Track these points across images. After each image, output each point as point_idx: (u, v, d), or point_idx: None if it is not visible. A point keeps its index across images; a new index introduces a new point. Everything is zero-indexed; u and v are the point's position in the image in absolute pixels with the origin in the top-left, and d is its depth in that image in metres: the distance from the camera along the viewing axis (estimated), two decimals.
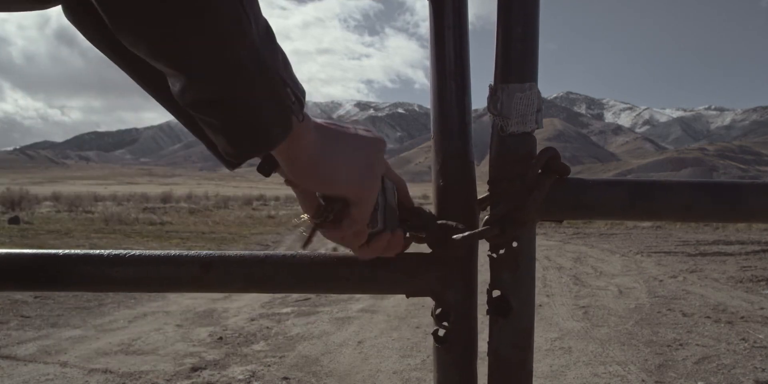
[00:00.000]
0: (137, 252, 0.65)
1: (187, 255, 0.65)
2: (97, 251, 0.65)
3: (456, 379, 0.67)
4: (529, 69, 0.68)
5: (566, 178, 0.67)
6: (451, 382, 0.67)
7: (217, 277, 0.64)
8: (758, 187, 0.69)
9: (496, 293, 0.68)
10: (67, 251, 0.66)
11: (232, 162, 0.48)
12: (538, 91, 0.67)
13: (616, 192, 0.69)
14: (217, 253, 0.65)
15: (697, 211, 0.71)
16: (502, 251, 0.68)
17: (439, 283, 0.65)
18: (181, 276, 0.65)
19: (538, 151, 0.67)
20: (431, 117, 0.69)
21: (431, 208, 0.68)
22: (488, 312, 0.66)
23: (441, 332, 0.66)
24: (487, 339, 0.66)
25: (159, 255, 0.65)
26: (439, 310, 0.66)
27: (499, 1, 0.67)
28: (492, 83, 0.68)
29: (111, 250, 0.65)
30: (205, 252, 0.65)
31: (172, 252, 0.65)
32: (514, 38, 0.67)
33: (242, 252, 0.66)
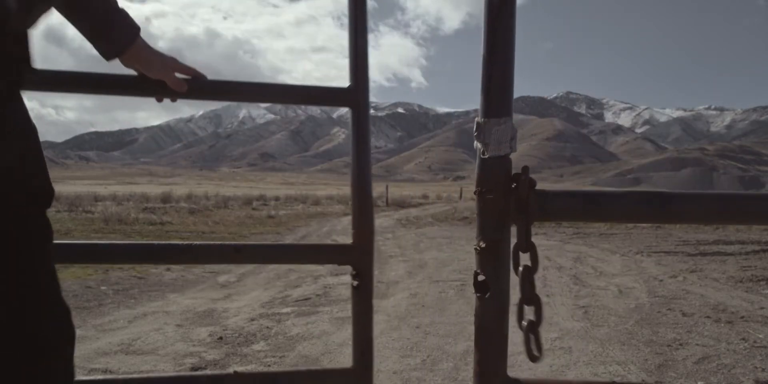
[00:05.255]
0: (194, 243, 1.20)
1: (222, 244, 1.17)
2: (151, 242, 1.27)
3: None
4: (505, 106, 0.93)
5: (535, 189, 0.93)
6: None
7: (245, 255, 1.16)
8: (682, 196, 0.96)
9: (481, 278, 0.98)
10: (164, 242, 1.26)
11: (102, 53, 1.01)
12: (512, 124, 0.93)
13: (572, 200, 0.96)
14: (242, 243, 1.17)
15: (634, 214, 0.98)
16: (483, 245, 0.96)
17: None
18: (222, 255, 1.20)
19: (512, 170, 0.95)
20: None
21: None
22: (474, 290, 0.98)
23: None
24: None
25: (201, 245, 1.19)
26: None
27: (485, 45, 0.91)
28: (477, 118, 0.94)
29: (165, 241, 1.23)
30: (234, 243, 1.16)
31: (212, 243, 1.18)
32: (493, 79, 0.92)
33: (260, 242, 1.20)
